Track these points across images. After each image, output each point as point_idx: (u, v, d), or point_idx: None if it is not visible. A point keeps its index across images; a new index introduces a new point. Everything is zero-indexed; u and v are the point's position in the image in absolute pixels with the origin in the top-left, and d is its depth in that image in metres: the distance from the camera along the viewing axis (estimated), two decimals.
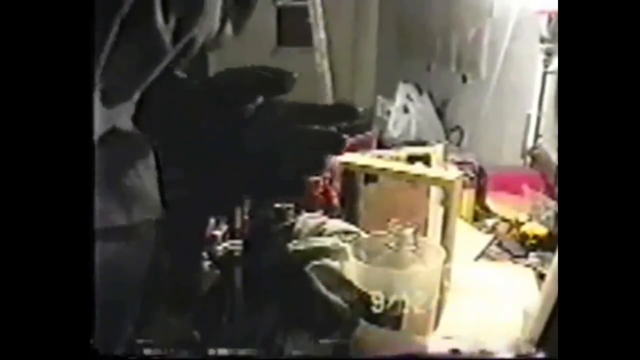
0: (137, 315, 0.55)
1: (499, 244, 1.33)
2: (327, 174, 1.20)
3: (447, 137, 2.36)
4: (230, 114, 0.54)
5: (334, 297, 0.81)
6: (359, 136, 1.83)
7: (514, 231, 1.36)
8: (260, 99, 0.54)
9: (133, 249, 0.52)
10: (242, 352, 0.73)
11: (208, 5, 0.45)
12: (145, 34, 0.41)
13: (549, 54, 1.64)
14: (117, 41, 0.39)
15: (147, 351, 0.67)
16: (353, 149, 1.47)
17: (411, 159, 1.17)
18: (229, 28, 0.50)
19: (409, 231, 0.85)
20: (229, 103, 0.54)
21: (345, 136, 0.55)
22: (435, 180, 1.05)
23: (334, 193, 1.16)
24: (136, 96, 0.45)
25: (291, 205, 0.94)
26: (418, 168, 1.11)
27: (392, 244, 0.85)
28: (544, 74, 1.68)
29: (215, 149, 0.55)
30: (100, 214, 0.42)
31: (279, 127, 0.55)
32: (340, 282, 0.84)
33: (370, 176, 1.11)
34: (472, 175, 1.52)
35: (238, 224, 0.89)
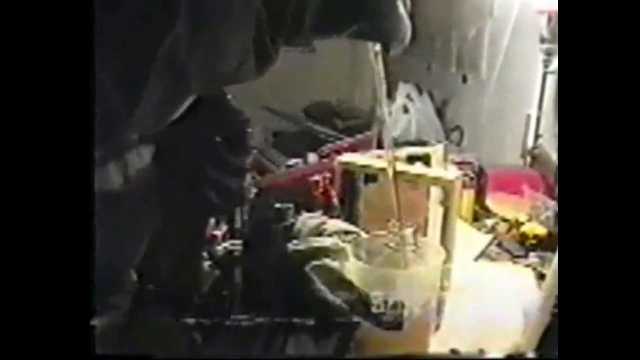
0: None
1: (499, 244, 1.33)
2: (327, 174, 1.20)
3: (447, 137, 2.35)
4: None
5: (334, 297, 0.81)
6: (359, 136, 1.82)
7: (514, 231, 1.36)
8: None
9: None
10: (242, 352, 0.73)
11: (226, 50, 0.49)
12: (172, 75, 0.46)
13: (549, 54, 1.64)
14: (148, 81, 0.44)
15: (147, 351, 0.67)
16: (353, 149, 1.47)
17: (411, 159, 1.17)
18: (248, 70, 0.53)
19: (409, 231, 0.85)
20: None
21: None
22: (435, 180, 1.05)
23: (334, 193, 1.16)
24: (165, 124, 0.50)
25: (291, 205, 0.94)
26: (418, 168, 1.11)
27: (392, 244, 0.85)
28: (544, 74, 1.68)
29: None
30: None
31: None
32: (340, 282, 0.84)
33: (370, 176, 1.11)
34: (472, 175, 1.52)
35: (238, 224, 0.89)
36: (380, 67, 0.73)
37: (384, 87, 0.77)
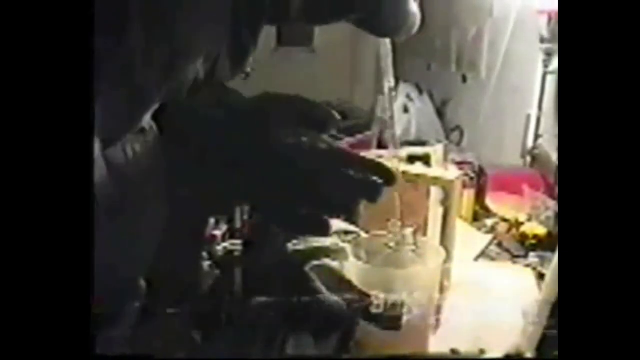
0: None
1: (499, 244, 1.33)
2: None
3: (447, 137, 2.36)
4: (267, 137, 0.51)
5: (334, 297, 0.81)
6: (359, 136, 1.83)
7: (514, 231, 1.36)
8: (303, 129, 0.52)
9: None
10: (242, 352, 0.73)
11: (193, 52, 0.45)
12: (131, 82, 0.41)
13: (549, 54, 1.64)
14: (110, 88, 0.40)
15: (146, 351, 0.67)
16: (353, 149, 1.47)
17: (411, 159, 1.17)
18: (223, 70, 0.49)
19: (409, 231, 0.85)
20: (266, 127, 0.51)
21: (382, 185, 0.53)
22: (435, 180, 1.05)
23: None
24: (131, 132, 0.45)
25: None
26: (418, 168, 1.11)
27: (392, 244, 0.85)
28: (544, 74, 1.68)
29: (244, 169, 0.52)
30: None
31: (320, 163, 0.52)
32: (340, 282, 0.84)
33: None
34: (472, 175, 1.52)
35: (238, 224, 0.89)
36: (389, 60, 0.70)
37: (391, 70, 0.72)
